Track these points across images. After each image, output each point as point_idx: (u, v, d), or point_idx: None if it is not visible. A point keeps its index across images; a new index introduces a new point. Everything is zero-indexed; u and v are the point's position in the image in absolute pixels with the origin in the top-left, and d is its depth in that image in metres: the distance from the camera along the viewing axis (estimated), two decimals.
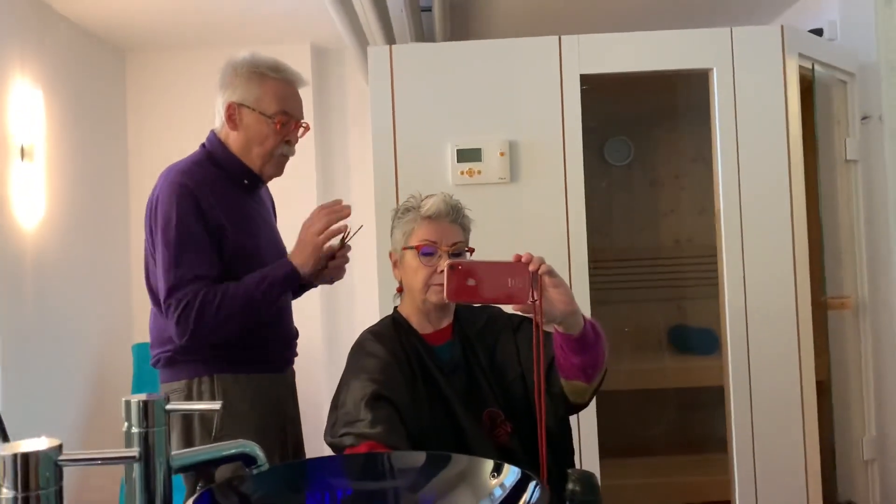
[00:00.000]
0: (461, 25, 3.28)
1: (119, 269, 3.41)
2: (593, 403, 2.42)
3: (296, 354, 1.78)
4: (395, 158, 2.38)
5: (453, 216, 1.44)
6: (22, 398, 2.60)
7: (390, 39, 2.83)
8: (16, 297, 2.63)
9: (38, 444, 0.51)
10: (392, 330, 1.45)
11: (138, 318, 3.45)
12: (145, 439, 0.66)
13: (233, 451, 0.75)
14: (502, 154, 2.36)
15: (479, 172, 2.35)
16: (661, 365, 3.43)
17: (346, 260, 1.71)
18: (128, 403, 0.70)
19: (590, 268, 2.44)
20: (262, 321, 1.59)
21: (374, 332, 1.45)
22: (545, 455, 1.09)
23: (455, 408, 1.35)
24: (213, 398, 1.57)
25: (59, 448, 0.51)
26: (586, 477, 0.87)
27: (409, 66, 2.39)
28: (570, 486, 0.87)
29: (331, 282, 1.75)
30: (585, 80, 2.40)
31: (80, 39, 3.17)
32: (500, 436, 1.36)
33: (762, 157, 2.38)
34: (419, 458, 0.95)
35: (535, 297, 1.12)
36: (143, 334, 3.33)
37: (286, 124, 1.65)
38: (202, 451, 0.74)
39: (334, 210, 1.63)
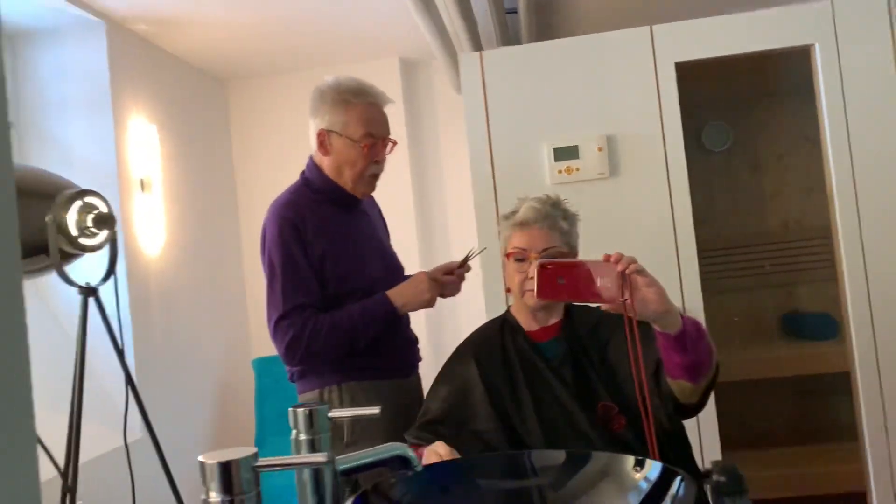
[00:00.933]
0: (546, 24, 3.28)
1: (235, 289, 3.58)
2: (711, 397, 2.38)
3: (419, 359, 1.84)
4: (491, 162, 2.41)
5: (544, 221, 1.46)
6: (153, 415, 2.76)
7: (477, 45, 2.86)
8: (144, 319, 2.80)
9: (235, 452, 0.56)
10: (497, 331, 1.49)
11: (255, 335, 3.61)
12: (311, 445, 0.70)
13: (389, 454, 0.78)
14: (600, 149, 2.35)
15: (578, 170, 2.35)
16: (775, 353, 3.32)
17: (464, 279, 1.77)
18: (294, 412, 0.74)
19: (698, 258, 2.39)
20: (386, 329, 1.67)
21: (472, 341, 1.52)
22: (654, 446, 1.10)
23: (565, 400, 1.37)
24: (342, 406, 1.64)
25: (255, 455, 0.56)
26: (730, 468, 0.87)
27: (500, 70, 2.41)
28: (715, 477, 0.88)
29: (443, 296, 1.80)
30: (680, 67, 2.36)
31: (186, 74, 3.35)
32: (616, 428, 1.36)
33: (875, 132, 2.28)
34: (559, 456, 0.97)
35: (626, 296, 1.14)
36: (262, 349, 3.49)
37: (373, 146, 1.72)
38: (363, 455, 0.79)
39: (448, 282, 1.74)
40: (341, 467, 0.74)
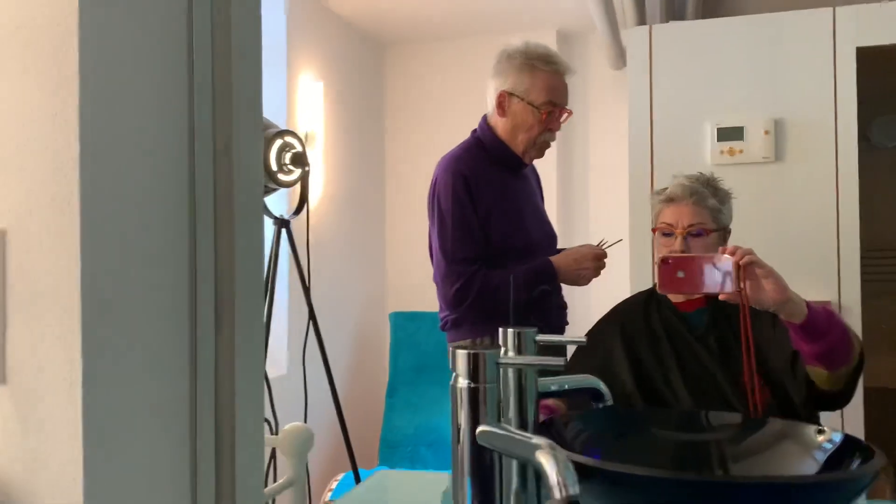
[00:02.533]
0: (712, 2, 3.19)
1: (376, 245, 3.73)
2: (859, 402, 2.29)
3: (567, 323, 1.88)
4: (651, 140, 2.40)
5: (693, 198, 1.47)
6: (297, 353, 2.94)
7: (642, 18, 2.83)
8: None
9: (483, 347, 0.62)
10: (643, 303, 1.52)
11: (392, 290, 3.75)
12: (474, 393, 0.67)
13: (586, 384, 0.83)
14: (766, 133, 2.28)
15: (741, 151, 2.30)
16: None
17: (603, 265, 1.80)
18: (504, 332, 0.79)
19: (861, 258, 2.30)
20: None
21: (618, 310, 1.55)
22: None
23: (712, 368, 1.38)
24: None
25: (499, 352, 0.61)
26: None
27: (669, 45, 2.38)
28: None
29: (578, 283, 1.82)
30: (862, 53, 2.25)
31: (349, 35, 3.49)
32: (761, 400, 1.36)
33: None
34: (735, 417, 0.99)
35: (741, 287, 1.19)
36: (399, 304, 3.64)
37: (551, 114, 1.75)
38: (564, 380, 0.83)
39: (602, 263, 1.81)
40: (542, 387, 0.79)
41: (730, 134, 2.30)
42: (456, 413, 0.63)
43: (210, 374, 0.79)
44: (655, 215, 1.53)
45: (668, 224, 1.48)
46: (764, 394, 1.35)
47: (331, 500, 2.44)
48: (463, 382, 0.61)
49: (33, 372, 0.65)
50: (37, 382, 0.65)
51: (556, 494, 0.51)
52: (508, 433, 0.58)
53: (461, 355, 0.61)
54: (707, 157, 2.33)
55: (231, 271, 0.82)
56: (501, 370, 0.62)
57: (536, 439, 0.54)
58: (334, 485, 2.52)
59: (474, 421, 0.61)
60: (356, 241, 3.53)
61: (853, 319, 2.34)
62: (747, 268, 1.20)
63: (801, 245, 2.29)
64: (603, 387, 0.85)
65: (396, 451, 3.29)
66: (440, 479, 1.25)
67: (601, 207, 3.60)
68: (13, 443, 0.66)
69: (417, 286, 3.53)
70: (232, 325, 0.81)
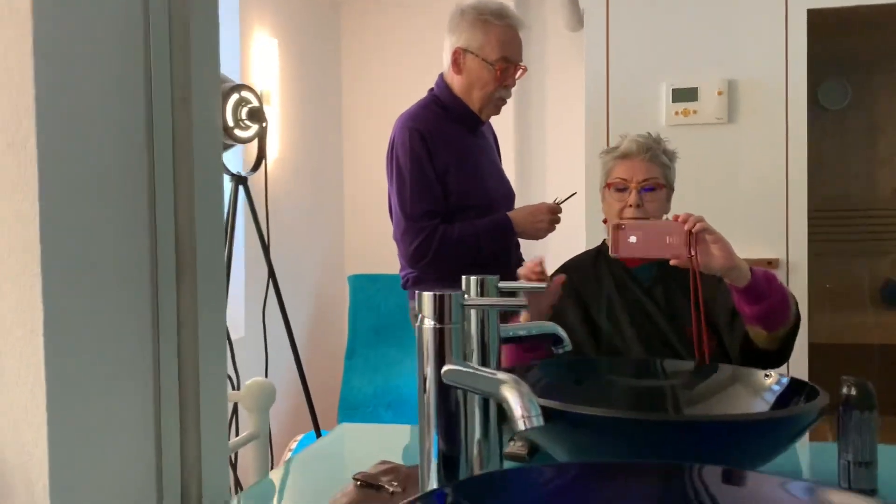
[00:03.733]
0: None
1: (334, 207, 3.70)
2: (803, 357, 2.39)
3: None
4: (606, 100, 2.42)
5: (647, 154, 1.52)
6: (256, 315, 2.93)
7: None
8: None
9: (446, 290, 0.63)
10: (592, 258, 1.56)
11: (350, 252, 3.74)
12: (440, 334, 0.66)
13: (544, 330, 0.84)
14: (720, 93, 2.32)
15: (695, 112, 2.34)
16: (867, 320, 3.26)
17: (558, 220, 1.83)
18: (467, 279, 0.80)
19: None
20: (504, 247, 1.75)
21: (566, 267, 1.58)
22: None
23: (658, 319, 1.44)
24: None
25: (463, 294, 0.63)
26: (861, 382, 0.90)
27: (626, 5, 2.40)
28: (844, 390, 0.91)
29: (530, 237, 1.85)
30: (812, 15, 2.30)
31: None
32: (709, 352, 1.41)
33: None
34: (687, 365, 1.02)
35: (692, 253, 1.24)
36: (357, 267, 3.63)
37: (505, 70, 1.76)
38: (523, 327, 0.85)
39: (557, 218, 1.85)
40: (503, 334, 0.80)
41: (684, 95, 2.34)
42: (422, 355, 0.64)
43: (173, 328, 0.79)
44: (607, 172, 1.56)
45: (623, 179, 1.52)
46: (711, 346, 1.40)
47: (293, 455, 2.46)
48: (429, 323, 0.62)
49: None
50: None
51: (521, 426, 0.52)
52: (473, 370, 0.59)
53: (427, 297, 0.63)
54: (662, 118, 2.36)
55: (191, 222, 0.82)
56: (465, 312, 0.63)
57: (501, 375, 0.56)
58: (294, 444, 2.53)
59: (440, 361, 0.62)
60: (313, 203, 3.50)
61: (799, 277, 2.42)
62: (698, 234, 1.24)
63: (752, 205, 2.35)
64: (561, 332, 0.87)
65: (356, 412, 3.31)
66: (402, 431, 1.27)
67: (557, 168, 3.62)
68: None
69: (376, 248, 3.53)
70: (194, 276, 0.80)
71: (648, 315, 1.46)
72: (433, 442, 0.64)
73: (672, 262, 1.28)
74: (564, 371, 1.01)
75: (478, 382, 0.59)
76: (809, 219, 2.43)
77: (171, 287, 0.79)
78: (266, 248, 1.73)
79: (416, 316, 1.76)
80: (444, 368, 0.62)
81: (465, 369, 0.60)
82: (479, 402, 0.66)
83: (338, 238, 3.75)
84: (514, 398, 0.53)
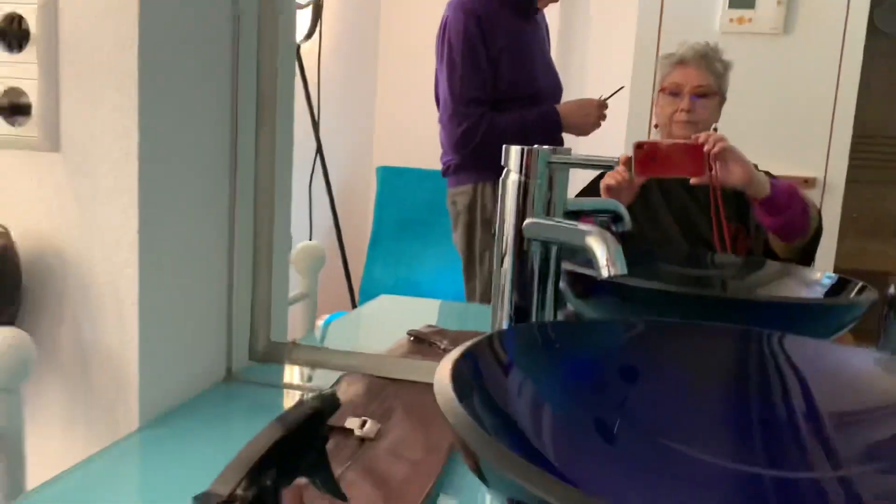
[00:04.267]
0: None
1: (366, 94, 3.66)
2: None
3: None
4: (661, 4, 2.35)
5: (703, 62, 1.56)
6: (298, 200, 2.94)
7: None
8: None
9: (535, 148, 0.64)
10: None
11: (379, 144, 3.73)
12: (524, 187, 0.68)
13: (606, 206, 0.85)
14: (779, 2, 2.25)
15: (750, 21, 2.27)
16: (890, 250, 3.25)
17: (604, 117, 1.82)
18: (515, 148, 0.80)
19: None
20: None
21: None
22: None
23: (695, 215, 1.47)
24: (495, 203, 1.74)
25: (551, 152, 0.64)
26: None
27: None
28: (891, 290, 0.93)
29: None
30: None
31: None
32: (740, 250, 1.46)
33: None
34: (736, 259, 1.04)
35: (712, 173, 1.30)
36: (386, 158, 3.62)
37: None
38: (584, 201, 0.86)
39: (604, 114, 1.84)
40: (568, 208, 0.81)
41: (741, 1, 2.26)
42: (504, 209, 0.65)
43: (251, 171, 0.81)
44: (663, 77, 1.59)
45: (677, 84, 1.55)
46: (745, 246, 1.47)
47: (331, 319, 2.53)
48: (514, 177, 0.63)
49: (86, 141, 0.66)
50: (91, 152, 0.66)
51: (605, 273, 0.54)
52: (557, 223, 0.61)
53: (514, 150, 0.64)
54: (716, 23, 2.29)
55: (272, 72, 0.82)
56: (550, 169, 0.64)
57: (585, 226, 0.57)
58: (325, 316, 2.59)
59: (522, 215, 0.64)
60: (346, 88, 3.46)
61: (835, 200, 2.41)
62: (717, 154, 1.29)
63: (797, 121, 2.31)
64: (623, 210, 0.88)
65: None
66: (439, 305, 1.31)
67: (600, 65, 3.55)
68: (67, 210, 0.67)
69: (406, 141, 3.51)
70: (273, 125, 0.82)
71: (686, 210, 1.51)
72: (507, 294, 0.67)
73: (692, 182, 1.34)
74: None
75: (562, 234, 0.60)
76: (853, 142, 2.39)
77: (251, 133, 0.80)
78: (315, 124, 1.73)
79: (455, 203, 1.78)
80: (527, 222, 0.63)
81: (547, 222, 0.62)
82: (553, 262, 0.68)
83: (368, 128, 3.72)
84: (600, 246, 0.55)
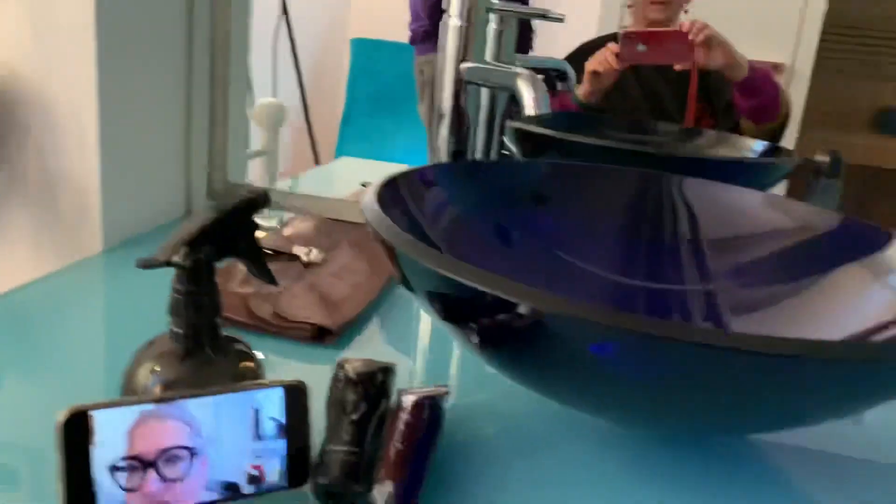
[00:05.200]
0: None
1: None
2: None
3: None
4: None
5: None
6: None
7: None
8: None
9: None
10: (605, 39, 1.61)
11: (355, 14, 3.65)
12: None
13: (554, 64, 0.89)
14: None
15: None
16: (859, 141, 3.32)
17: None
18: None
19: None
20: None
21: (584, 49, 1.62)
22: None
23: (665, 97, 1.53)
24: None
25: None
26: (837, 153, 0.98)
27: None
28: (817, 157, 0.99)
29: None
30: None
31: None
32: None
33: None
34: (675, 127, 1.09)
35: (696, 59, 1.35)
36: (361, 30, 3.56)
37: None
38: (532, 59, 0.90)
39: None
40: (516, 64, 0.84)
41: None
42: (444, 56, 0.69)
43: (206, 8, 0.83)
44: None
45: None
46: (707, 125, 1.53)
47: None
48: (455, 22, 0.67)
49: None
50: None
51: (530, 112, 0.59)
52: (492, 65, 0.65)
53: None
54: None
55: None
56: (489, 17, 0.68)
57: (518, 69, 0.61)
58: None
59: (460, 60, 0.68)
60: None
61: (801, 87, 2.44)
62: (702, 41, 1.33)
63: (768, 4, 2.31)
64: (570, 70, 0.92)
65: None
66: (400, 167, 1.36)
67: None
68: (26, 44, 0.70)
69: (384, 11, 3.44)
70: None
71: (657, 87, 1.55)
72: (445, 137, 0.72)
73: (676, 68, 1.39)
74: (565, 119, 1.07)
75: (497, 77, 0.65)
76: (824, 31, 2.40)
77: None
78: None
79: (422, 72, 1.79)
80: (464, 65, 0.68)
81: (484, 65, 0.66)
82: (487, 106, 0.72)
83: None
84: (528, 88, 0.59)
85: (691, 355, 0.31)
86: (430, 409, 0.44)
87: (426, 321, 0.66)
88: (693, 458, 0.46)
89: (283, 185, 1.17)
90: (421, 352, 0.61)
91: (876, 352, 0.31)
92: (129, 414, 0.37)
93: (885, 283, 0.48)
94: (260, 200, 0.42)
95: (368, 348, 0.59)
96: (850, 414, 0.39)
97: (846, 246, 0.50)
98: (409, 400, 0.44)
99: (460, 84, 0.68)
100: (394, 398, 0.45)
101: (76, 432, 0.36)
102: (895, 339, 0.43)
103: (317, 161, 2.17)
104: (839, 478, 0.46)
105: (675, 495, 0.43)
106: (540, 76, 0.64)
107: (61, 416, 0.35)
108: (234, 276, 0.65)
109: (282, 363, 0.55)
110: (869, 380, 0.32)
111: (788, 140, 2.48)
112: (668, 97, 1.54)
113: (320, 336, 0.58)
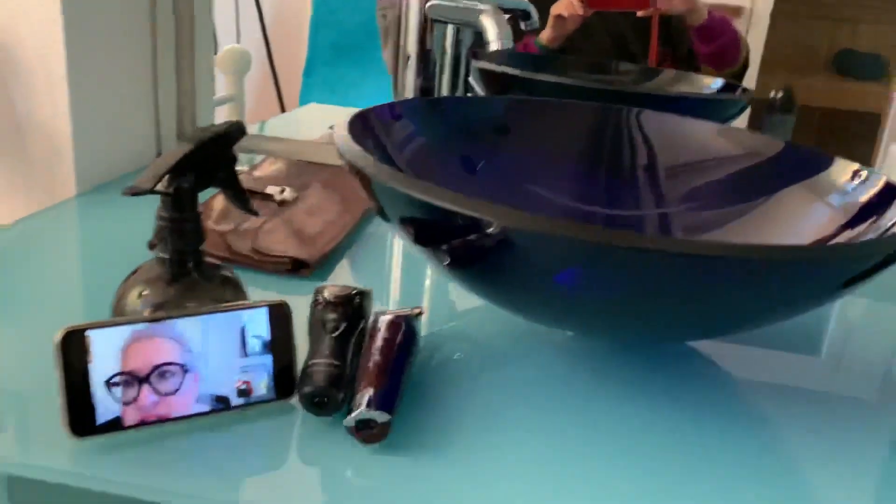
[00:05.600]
0: None
1: None
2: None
3: None
4: None
5: None
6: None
7: None
8: None
9: None
10: None
11: None
12: None
13: (517, 4, 0.90)
14: None
15: None
16: (818, 84, 3.39)
17: None
18: None
19: None
20: None
21: None
22: None
23: (631, 42, 1.56)
24: None
25: None
26: (788, 91, 1.02)
27: None
28: (771, 94, 1.03)
29: None
30: None
31: None
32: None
33: None
34: (637, 67, 1.12)
35: (657, 6, 1.38)
36: None
37: None
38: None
39: None
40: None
41: None
42: None
43: None
44: None
45: None
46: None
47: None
48: None
49: None
50: None
51: (494, 46, 0.61)
52: (457, 3, 0.67)
53: None
54: None
55: None
56: None
57: (482, 5, 0.63)
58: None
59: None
60: None
61: (760, 30, 2.47)
62: None
63: None
64: (533, 10, 0.94)
65: None
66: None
67: None
68: None
69: None
70: None
71: (625, 37, 1.57)
72: (412, 79, 0.73)
73: (639, 14, 1.42)
74: (529, 60, 1.09)
75: (461, 14, 0.66)
76: None
77: None
78: None
79: (385, 16, 1.78)
80: (429, 4, 0.69)
81: (449, 3, 0.68)
82: (452, 46, 0.74)
83: None
84: (491, 23, 0.61)
85: (632, 259, 0.34)
86: (405, 326, 0.46)
87: (398, 256, 0.69)
88: (646, 364, 0.50)
89: (250, 129, 1.17)
90: (395, 282, 0.63)
91: (783, 252, 0.35)
92: (122, 333, 0.39)
93: (826, 202, 0.52)
94: (236, 131, 0.44)
95: (344, 280, 0.61)
96: (777, 316, 0.42)
97: (790, 169, 0.54)
98: (385, 319, 0.47)
99: (426, 23, 0.70)
100: (371, 319, 0.48)
101: (73, 351, 0.38)
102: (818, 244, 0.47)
103: (283, 109, 2.17)
104: (782, 390, 0.50)
105: (628, 396, 0.47)
106: (505, 16, 0.66)
107: (58, 335, 0.37)
108: (209, 215, 0.67)
109: (262, 295, 0.57)
110: (781, 280, 0.36)
111: (748, 83, 2.53)
112: (631, 43, 1.56)
113: (297, 269, 0.60)
